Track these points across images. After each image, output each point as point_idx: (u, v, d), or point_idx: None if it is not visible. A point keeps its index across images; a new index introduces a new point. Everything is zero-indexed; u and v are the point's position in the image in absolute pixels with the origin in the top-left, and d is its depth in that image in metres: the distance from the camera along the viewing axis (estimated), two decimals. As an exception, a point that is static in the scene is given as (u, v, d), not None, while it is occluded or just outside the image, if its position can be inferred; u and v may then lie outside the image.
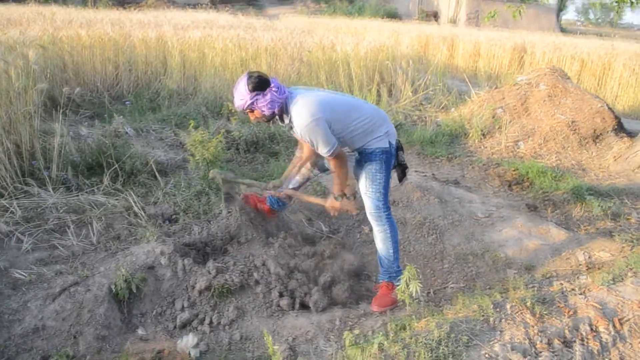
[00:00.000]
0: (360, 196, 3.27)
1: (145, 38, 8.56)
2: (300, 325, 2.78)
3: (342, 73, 9.21)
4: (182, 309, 2.84)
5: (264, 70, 8.63)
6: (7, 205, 3.81)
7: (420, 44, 14.57)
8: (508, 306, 2.72)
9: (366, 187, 3.14)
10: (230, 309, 2.85)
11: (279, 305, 2.94)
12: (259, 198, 3.95)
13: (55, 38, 7.47)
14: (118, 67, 8.18)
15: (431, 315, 2.74)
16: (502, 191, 5.30)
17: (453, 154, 6.37)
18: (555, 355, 2.35)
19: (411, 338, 2.28)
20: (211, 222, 3.75)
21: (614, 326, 2.62)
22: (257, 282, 3.03)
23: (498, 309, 2.68)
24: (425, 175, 5.51)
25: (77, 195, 4.17)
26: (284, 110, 2.98)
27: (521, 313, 2.66)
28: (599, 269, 3.55)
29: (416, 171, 5.62)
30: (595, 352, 2.43)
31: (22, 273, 3.02)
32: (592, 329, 2.58)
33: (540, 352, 2.36)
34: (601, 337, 2.53)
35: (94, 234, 3.68)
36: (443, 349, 2.21)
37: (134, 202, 4.07)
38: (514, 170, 5.55)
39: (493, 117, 7.05)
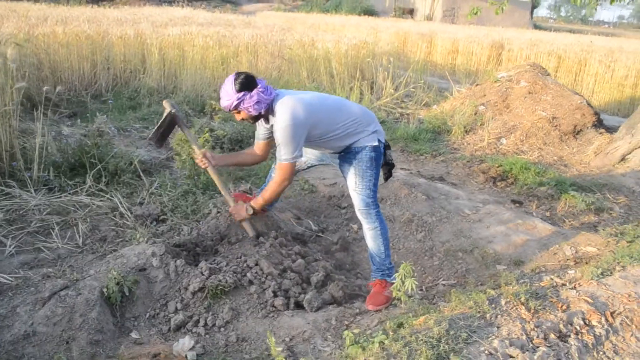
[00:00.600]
0: (256, 231, 3.36)
1: (123, 35, 8.41)
2: (297, 325, 2.75)
3: (323, 70, 9.20)
4: (176, 311, 2.79)
5: (244, 68, 8.58)
6: (-12, 208, 3.71)
7: (399, 40, 14.65)
8: (503, 302, 2.74)
9: (355, 184, 3.13)
10: (225, 310, 2.81)
11: (273, 305, 2.91)
12: (247, 197, 3.90)
13: (31, 36, 7.29)
14: (96, 65, 8.02)
15: (426, 312, 2.74)
16: (487, 187, 5.36)
17: (437, 150, 6.42)
18: (552, 349, 2.37)
19: (411, 336, 2.28)
20: (200, 222, 3.71)
21: (607, 319, 2.66)
22: (250, 282, 2.99)
23: (493, 305, 2.70)
24: (411, 172, 5.53)
25: (60, 197, 4.08)
26: (269, 111, 2.97)
27: (516, 308, 2.68)
28: (586, 263, 3.60)
29: (402, 168, 5.64)
30: (590, 345, 2.46)
31: (8, 278, 2.93)
32: (585, 323, 2.62)
33: (538, 346, 2.38)
34: (595, 331, 2.57)
35: (79, 236, 3.60)
36: (444, 346, 2.22)
37: (120, 202, 4.00)
38: (498, 166, 5.61)
39: (475, 113, 7.13)
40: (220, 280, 2.86)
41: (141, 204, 4.10)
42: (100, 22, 9.63)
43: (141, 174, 4.56)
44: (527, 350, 2.33)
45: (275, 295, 2.97)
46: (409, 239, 4.15)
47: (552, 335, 2.48)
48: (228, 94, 2.88)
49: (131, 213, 3.89)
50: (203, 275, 2.90)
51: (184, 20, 11.95)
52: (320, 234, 4.13)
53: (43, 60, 7.38)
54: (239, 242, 3.48)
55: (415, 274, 2.78)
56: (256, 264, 3.14)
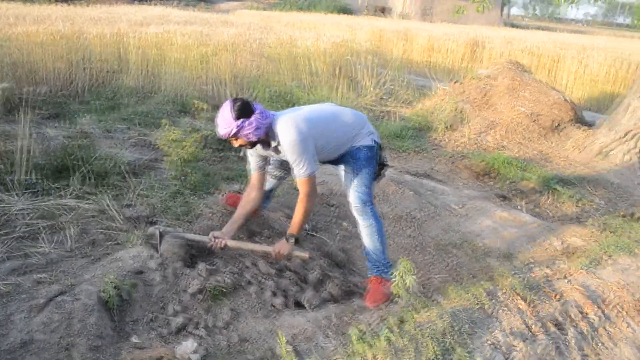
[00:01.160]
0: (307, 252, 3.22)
1: (100, 34, 8.26)
2: (297, 324, 2.75)
3: (304, 69, 9.19)
4: (175, 314, 2.76)
5: (225, 67, 8.52)
6: (-30, 213, 3.60)
7: (376, 38, 14.73)
8: (500, 294, 2.80)
9: (352, 182, 3.15)
10: (225, 311, 2.79)
11: (273, 305, 2.91)
12: (240, 198, 3.89)
13: (5, 35, 7.10)
14: (72, 66, 7.85)
15: (425, 307, 2.77)
16: (471, 182, 5.44)
17: (420, 147, 6.48)
18: (551, 338, 2.43)
19: (416, 330, 2.31)
20: (193, 223, 3.67)
21: (600, 308, 2.73)
22: (249, 283, 2.98)
23: (491, 297, 2.75)
24: (397, 169, 5.57)
25: (45, 200, 3.99)
26: (269, 135, 2.93)
27: (514, 300, 2.74)
28: (574, 254, 3.70)
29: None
30: (586, 333, 2.53)
31: (-2, 285, 2.86)
32: (580, 312, 2.69)
33: (537, 336, 2.44)
34: (589, 319, 2.64)
35: (68, 239, 3.52)
36: (449, 340, 2.25)
37: (108, 205, 3.92)
38: (481, 162, 5.70)
39: (456, 110, 7.22)
40: (219, 281, 2.85)
41: (129, 206, 4.03)
42: (74, 20, 9.44)
43: (126, 176, 4.48)
44: (528, 340, 2.39)
45: (274, 294, 2.96)
46: (400, 235, 4.19)
47: (550, 325, 2.55)
48: (226, 122, 2.80)
49: (120, 215, 3.82)
50: (202, 276, 2.88)
51: (160, 19, 11.79)
52: (313, 233, 4.13)
53: (17, 61, 7.20)
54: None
55: (415, 270, 2.80)
56: (253, 264, 3.14)
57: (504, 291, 2.82)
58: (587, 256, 3.37)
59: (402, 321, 2.55)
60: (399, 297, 2.80)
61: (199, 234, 3.49)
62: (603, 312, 2.71)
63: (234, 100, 2.84)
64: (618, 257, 3.29)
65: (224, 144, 5.85)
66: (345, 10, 32.76)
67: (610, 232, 3.99)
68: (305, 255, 3.18)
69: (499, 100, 7.15)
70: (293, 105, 5.44)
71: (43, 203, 3.93)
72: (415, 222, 4.31)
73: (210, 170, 5.03)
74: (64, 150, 4.45)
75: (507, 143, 6.53)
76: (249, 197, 3.28)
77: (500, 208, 4.53)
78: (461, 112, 7.12)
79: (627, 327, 2.60)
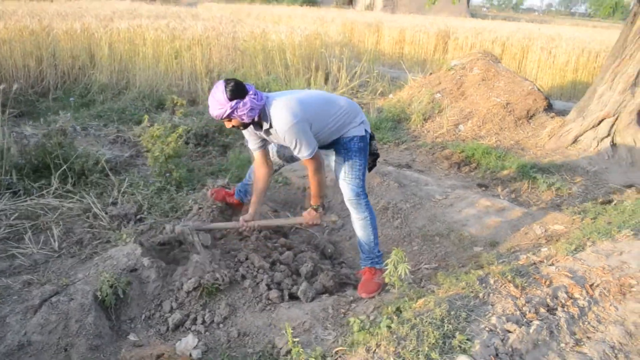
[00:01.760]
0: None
1: (69, 30, 8.05)
2: (295, 316, 2.77)
3: (278, 62, 9.15)
4: (171, 311, 2.75)
5: (199, 61, 8.42)
6: (-49, 216, 3.50)
7: (346, 31, 14.74)
8: (492, 281, 2.86)
9: (345, 174, 3.16)
10: (222, 306, 2.79)
11: (268, 298, 2.92)
12: (227, 192, 3.88)
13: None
14: (42, 62, 7.65)
15: (419, 295, 2.83)
16: (452, 172, 5.53)
17: (399, 138, 6.55)
18: (544, 322, 2.51)
19: (416, 318, 2.35)
20: (182, 219, 3.64)
21: (587, 292, 2.84)
22: (243, 277, 2.99)
23: (484, 284, 2.82)
24: (379, 161, 5.62)
25: (27, 200, 3.90)
26: (262, 117, 2.93)
27: (505, 286, 2.81)
28: (556, 240, 3.81)
29: (369, 157, 5.72)
30: (576, 316, 2.62)
31: (-14, 287, 2.79)
32: (569, 296, 2.78)
33: (531, 320, 2.51)
34: (578, 303, 2.74)
35: (54, 239, 3.46)
36: (448, 326, 2.30)
37: (93, 203, 3.86)
38: (460, 152, 5.79)
39: (432, 101, 7.31)
40: (216, 278, 2.84)
41: (114, 203, 3.97)
42: (40, 16, 9.16)
43: (109, 173, 4.41)
44: (523, 324, 2.46)
45: (269, 288, 2.97)
46: (386, 226, 4.24)
47: (541, 309, 2.63)
48: (220, 103, 2.78)
49: (106, 213, 3.77)
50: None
51: (129, 13, 11.55)
52: (300, 227, 4.14)
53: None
54: (224, 238, 3.46)
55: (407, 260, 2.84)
56: (247, 258, 3.14)
57: (495, 278, 2.88)
58: (571, 242, 3.48)
59: (399, 310, 2.60)
60: (392, 285, 2.84)
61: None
62: (590, 295, 2.81)
63: (227, 81, 2.81)
64: (601, 243, 3.40)
65: (204, 139, 5.81)
66: (312, 2, 32.69)
67: (591, 218, 4.12)
68: (334, 218, 3.50)
69: (475, 91, 7.27)
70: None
71: (25, 203, 3.85)
72: (402, 213, 4.37)
73: (193, 165, 4.99)
74: (43, 148, 4.34)
75: (484, 133, 6.65)
76: (259, 175, 3.32)
77: (482, 197, 4.62)
78: (438, 103, 7.21)
79: (613, 308, 2.71)
